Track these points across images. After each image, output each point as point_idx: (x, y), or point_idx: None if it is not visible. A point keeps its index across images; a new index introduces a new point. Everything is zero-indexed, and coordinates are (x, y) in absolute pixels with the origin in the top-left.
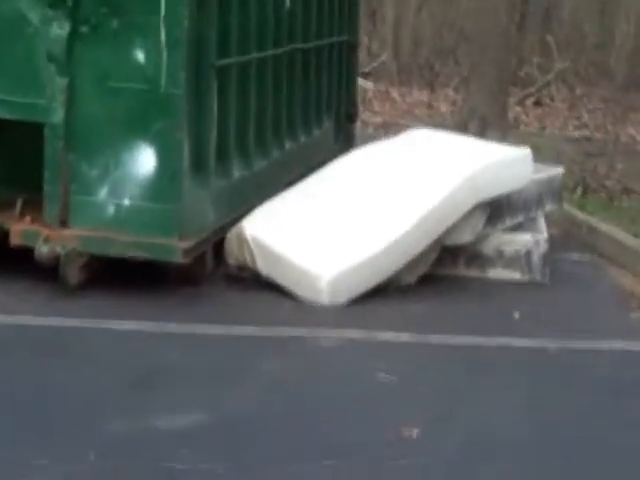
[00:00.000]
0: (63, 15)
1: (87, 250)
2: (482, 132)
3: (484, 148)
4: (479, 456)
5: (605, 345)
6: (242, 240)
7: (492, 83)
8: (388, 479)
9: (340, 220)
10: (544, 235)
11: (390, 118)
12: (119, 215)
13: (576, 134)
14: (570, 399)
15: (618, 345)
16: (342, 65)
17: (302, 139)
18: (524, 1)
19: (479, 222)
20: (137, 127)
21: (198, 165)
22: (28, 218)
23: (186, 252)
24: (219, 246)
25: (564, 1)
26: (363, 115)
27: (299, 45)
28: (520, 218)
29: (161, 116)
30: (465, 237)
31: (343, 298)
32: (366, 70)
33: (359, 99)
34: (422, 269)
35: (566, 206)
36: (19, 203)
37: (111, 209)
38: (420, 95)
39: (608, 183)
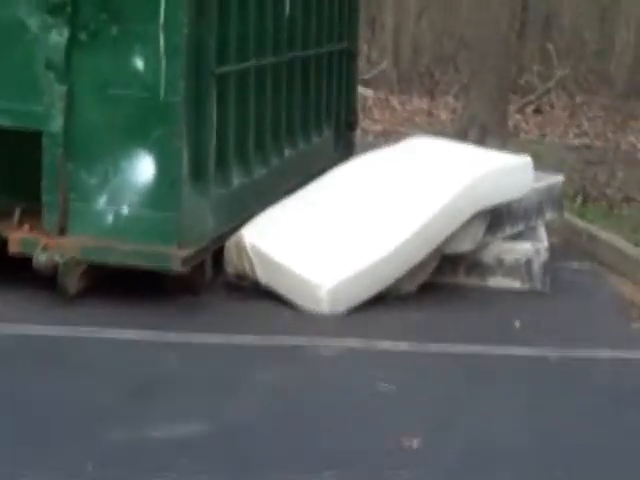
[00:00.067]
0: (62, 22)
1: (86, 259)
2: (482, 140)
3: (484, 156)
4: (479, 465)
5: (605, 354)
6: (241, 248)
7: (492, 91)
8: None
9: (340, 228)
10: (544, 244)
11: (390, 126)
12: (118, 223)
13: (576, 142)
14: (570, 408)
15: (618, 354)
16: (342, 73)
17: (302, 147)
18: (524, 9)
19: (479, 231)
20: (136, 135)
21: (197, 173)
22: (26, 226)
23: (185, 261)
24: (218, 254)
25: (564, 8)
26: (363, 123)
27: (298, 53)
28: (520, 227)
29: (160, 124)
30: (465, 246)
31: (343, 307)
32: (366, 78)
33: (359, 107)
34: (422, 278)
35: (566, 214)
36: (17, 211)
37: (110, 217)
38: (420, 103)
39: (608, 191)
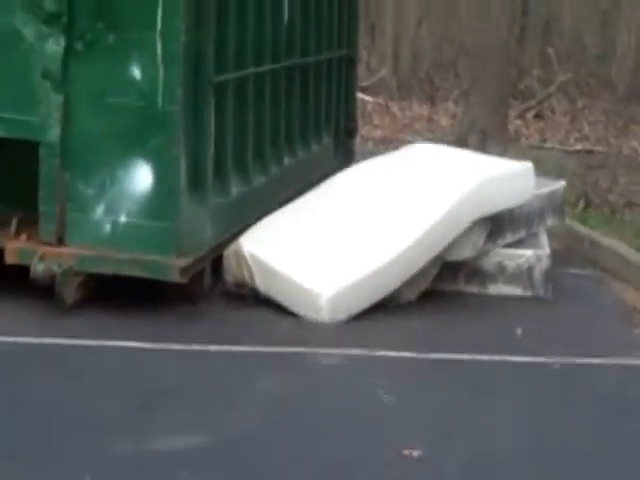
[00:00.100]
0: (58, 31)
1: (83, 268)
2: (482, 146)
3: (485, 162)
4: (480, 476)
5: (608, 361)
6: (240, 257)
7: (492, 96)
8: None
9: (340, 236)
10: (546, 250)
11: (390, 133)
12: (116, 233)
13: (578, 147)
14: (573, 417)
15: (621, 361)
16: (341, 80)
17: (301, 155)
18: (524, 13)
19: (480, 237)
20: (134, 144)
21: (195, 182)
22: (24, 236)
23: (183, 270)
24: (217, 262)
25: (564, 13)
26: (362, 130)
27: (298, 60)
28: (522, 233)
29: (158, 133)
30: (466, 253)
31: (343, 315)
32: (365, 85)
33: (358, 114)
34: (422, 285)
35: (568, 220)
36: (14, 221)
37: (107, 227)
38: (420, 109)
39: (610, 197)
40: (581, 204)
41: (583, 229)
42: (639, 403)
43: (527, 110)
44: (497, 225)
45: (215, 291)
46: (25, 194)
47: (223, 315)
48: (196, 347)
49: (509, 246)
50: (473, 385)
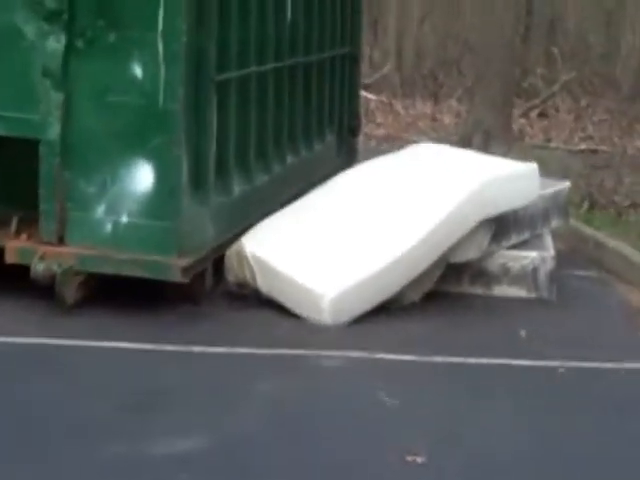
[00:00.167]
0: (59, 29)
1: (84, 268)
2: (487, 145)
3: (490, 163)
4: None
5: (613, 364)
6: (242, 257)
7: (496, 95)
8: None
9: (343, 237)
10: (551, 252)
11: (393, 131)
12: (116, 232)
13: (582, 146)
14: (578, 421)
15: (626, 364)
16: (344, 77)
17: (304, 153)
18: (528, 12)
19: (484, 239)
20: (135, 143)
21: (197, 181)
22: (24, 235)
23: (185, 270)
24: (219, 262)
25: (569, 12)
26: (366, 128)
27: (300, 58)
28: (526, 234)
29: (159, 132)
30: (470, 254)
31: (346, 317)
32: (368, 82)
33: (361, 112)
34: (426, 286)
35: (572, 221)
36: (15, 220)
37: (108, 226)
38: (423, 107)
39: (615, 198)
40: (586, 205)
41: (588, 230)
42: None
43: (531, 109)
44: (501, 226)
45: (217, 291)
46: (25, 193)
47: (224, 316)
48: (196, 348)
49: (513, 247)
50: (476, 388)
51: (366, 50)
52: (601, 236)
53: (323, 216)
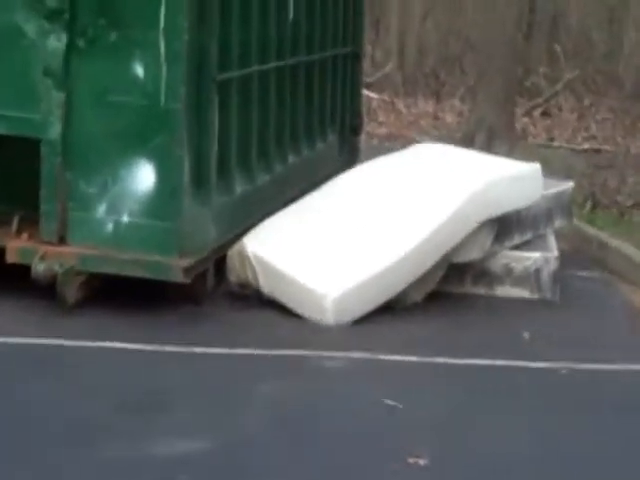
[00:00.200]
0: (60, 28)
1: (85, 268)
2: (489, 144)
3: (493, 163)
4: None
5: (617, 366)
6: (244, 257)
7: (499, 93)
8: None
9: (345, 237)
10: (554, 253)
11: (395, 130)
12: (118, 232)
13: (585, 146)
14: (583, 424)
15: (630, 366)
16: (346, 76)
17: (306, 153)
18: (531, 10)
19: (487, 239)
20: (136, 143)
21: (199, 181)
22: (25, 235)
23: (186, 271)
24: (221, 263)
25: (572, 9)
26: (368, 127)
27: (302, 57)
28: (529, 235)
29: (161, 131)
30: (473, 254)
31: (348, 317)
32: (370, 80)
33: (363, 110)
34: (429, 287)
35: (575, 221)
36: (16, 220)
37: (110, 226)
38: (426, 106)
39: (619, 197)
40: (589, 204)
41: (591, 230)
42: None
43: (534, 108)
44: (504, 226)
45: (218, 292)
46: (26, 193)
47: (226, 316)
48: (198, 349)
49: (516, 248)
50: (478, 390)
51: (368, 49)
52: (604, 236)
53: (325, 216)
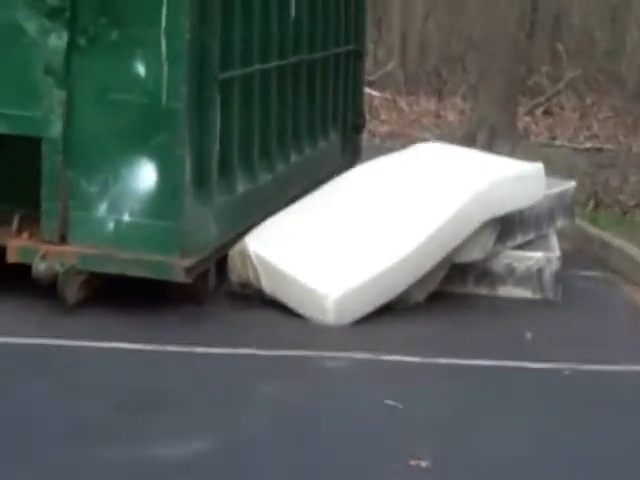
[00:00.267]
0: (61, 26)
1: (86, 267)
2: (491, 142)
3: (496, 163)
4: None
5: (619, 367)
6: (245, 257)
7: (501, 92)
8: None
9: (347, 236)
10: (556, 253)
11: (397, 128)
12: (119, 232)
13: (587, 145)
14: (587, 425)
15: (633, 367)
16: (348, 75)
17: (308, 152)
18: (533, 9)
19: (489, 239)
20: (137, 141)
21: (200, 180)
22: (26, 234)
23: (187, 270)
24: (222, 262)
25: (574, 8)
26: (369, 125)
27: (304, 56)
28: (531, 235)
29: (162, 130)
30: (475, 254)
31: (349, 317)
32: (372, 79)
33: (365, 109)
34: (431, 287)
35: (578, 220)
36: (16, 219)
37: (111, 225)
38: (427, 104)
39: (621, 197)
40: (591, 204)
41: (593, 230)
42: None
43: (536, 107)
44: (507, 226)
45: (220, 291)
46: (27, 191)
47: (227, 316)
48: (199, 349)
49: (519, 248)
50: (480, 391)
51: (370, 47)
52: (607, 236)
53: (327, 216)
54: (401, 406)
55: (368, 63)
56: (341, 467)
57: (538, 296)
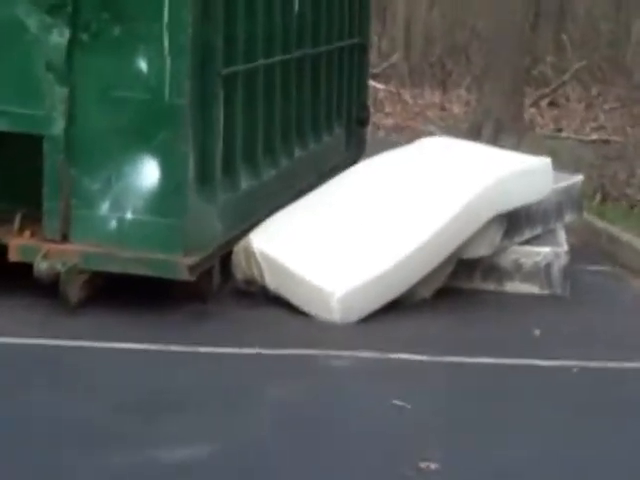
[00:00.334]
0: (62, 22)
1: (88, 266)
2: (496, 135)
3: (503, 158)
4: None
5: (630, 364)
6: (250, 254)
7: (506, 84)
8: None
9: (352, 233)
10: (564, 248)
11: (402, 120)
12: (121, 230)
13: (593, 136)
14: (597, 424)
15: None
16: (353, 68)
17: (312, 147)
18: None
19: (497, 235)
20: (140, 138)
21: (204, 177)
22: (27, 233)
23: (191, 269)
24: (226, 260)
25: None
26: (374, 118)
27: (308, 50)
28: (539, 230)
29: (165, 127)
30: (482, 250)
31: (355, 315)
32: (376, 71)
33: (370, 101)
34: (437, 283)
35: (585, 214)
36: (18, 217)
37: (113, 224)
38: (432, 96)
39: (628, 190)
40: (598, 197)
41: (601, 223)
42: None
43: (541, 98)
44: (514, 222)
45: (224, 289)
46: (29, 190)
47: (232, 315)
48: (203, 349)
49: (526, 243)
50: (489, 389)
51: (374, 39)
52: (615, 230)
53: (332, 212)
54: (409, 405)
55: (372, 55)
56: (348, 469)
57: (546, 291)
